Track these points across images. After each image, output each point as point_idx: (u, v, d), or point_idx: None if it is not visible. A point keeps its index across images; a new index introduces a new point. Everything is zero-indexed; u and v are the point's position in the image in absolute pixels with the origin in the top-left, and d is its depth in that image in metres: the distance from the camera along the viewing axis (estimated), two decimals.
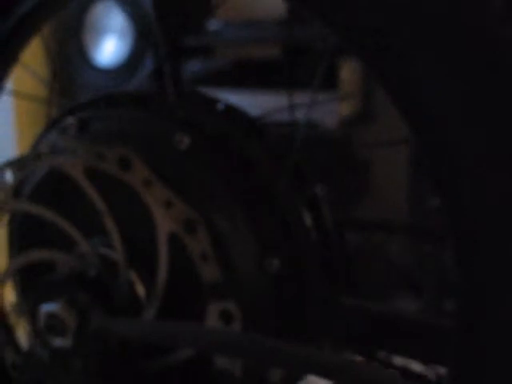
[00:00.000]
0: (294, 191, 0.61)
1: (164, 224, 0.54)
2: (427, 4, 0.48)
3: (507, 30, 0.47)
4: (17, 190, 0.64)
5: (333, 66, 1.58)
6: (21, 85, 1.14)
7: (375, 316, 0.71)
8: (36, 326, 0.58)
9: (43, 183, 0.62)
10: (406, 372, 0.70)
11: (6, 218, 0.67)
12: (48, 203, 0.61)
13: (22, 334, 0.65)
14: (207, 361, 0.56)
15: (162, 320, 0.57)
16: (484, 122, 0.48)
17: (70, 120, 0.63)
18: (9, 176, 0.63)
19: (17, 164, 0.62)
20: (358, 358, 0.73)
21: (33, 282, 0.60)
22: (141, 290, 0.58)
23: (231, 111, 0.63)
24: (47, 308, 0.57)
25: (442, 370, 0.66)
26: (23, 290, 0.67)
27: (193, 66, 1.81)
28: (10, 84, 0.81)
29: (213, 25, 1.80)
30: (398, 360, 0.72)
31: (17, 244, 0.67)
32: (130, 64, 1.87)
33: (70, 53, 1.93)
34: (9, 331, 0.67)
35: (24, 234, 0.66)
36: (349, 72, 1.61)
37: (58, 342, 0.57)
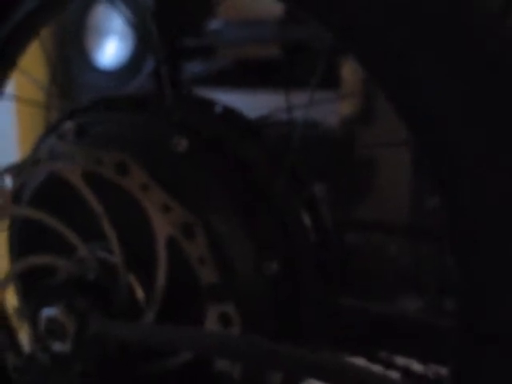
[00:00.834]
0: (291, 192, 0.61)
1: (162, 228, 0.55)
2: (426, 4, 0.48)
3: (507, 29, 0.47)
4: (16, 195, 0.64)
5: (334, 65, 1.58)
6: (21, 90, 1.15)
7: (374, 316, 0.71)
8: (37, 331, 0.58)
9: (42, 188, 0.62)
10: (407, 372, 0.71)
11: (6, 223, 0.67)
12: (47, 208, 0.61)
13: (24, 338, 0.65)
14: (207, 363, 0.56)
15: (162, 324, 0.57)
16: (484, 121, 0.48)
17: (69, 125, 0.64)
18: (8, 181, 0.63)
19: (16, 169, 0.62)
20: (359, 359, 0.73)
21: (34, 287, 0.60)
22: (140, 293, 0.58)
23: (228, 113, 0.63)
24: (47, 312, 0.57)
25: (443, 370, 0.66)
26: (25, 295, 0.67)
27: (193, 67, 1.81)
28: (10, 88, 0.82)
29: (213, 25, 1.81)
30: (400, 360, 0.72)
31: (17, 249, 0.67)
32: (131, 66, 1.87)
33: (71, 55, 1.93)
34: (11, 334, 0.67)
35: (24, 239, 0.66)
36: (350, 71, 1.61)
37: (58, 346, 0.57)
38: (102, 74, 1.89)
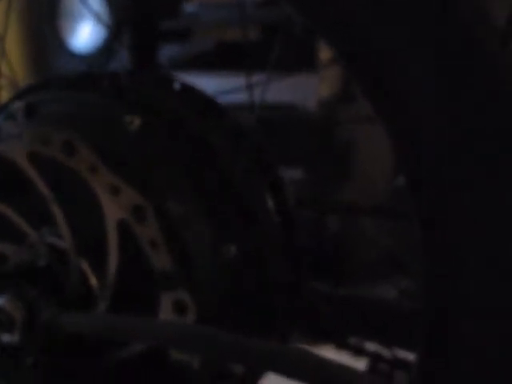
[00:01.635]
0: (253, 174, 0.58)
1: (112, 211, 0.52)
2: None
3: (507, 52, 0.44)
4: None
5: (312, 48, 1.55)
6: None
7: (345, 301, 0.69)
8: None
9: None
10: (377, 358, 0.68)
11: None
12: None
13: None
14: (164, 353, 0.53)
15: (116, 312, 0.54)
16: (446, 95, 0.46)
17: (18, 104, 0.60)
18: None
19: None
20: (329, 345, 0.70)
21: None
22: (93, 280, 0.56)
23: (187, 91, 0.61)
24: None
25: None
26: None
27: (171, 50, 1.78)
28: None
29: (189, 7, 1.77)
30: (370, 346, 0.70)
31: None
32: (106, 50, 1.83)
33: (45, 38, 1.89)
34: None
35: None
36: (328, 53, 1.59)
37: (6, 337, 0.54)
38: (77, 58, 1.85)
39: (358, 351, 0.69)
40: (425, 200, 0.50)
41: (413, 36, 0.46)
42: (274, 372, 0.45)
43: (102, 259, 0.54)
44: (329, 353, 0.69)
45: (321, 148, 1.61)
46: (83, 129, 0.55)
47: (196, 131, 0.57)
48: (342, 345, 0.69)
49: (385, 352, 0.68)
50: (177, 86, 0.61)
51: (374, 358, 0.67)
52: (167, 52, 1.78)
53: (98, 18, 1.68)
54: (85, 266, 0.55)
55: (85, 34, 1.84)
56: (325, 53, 1.56)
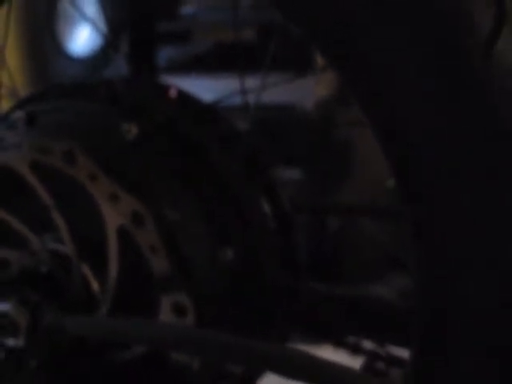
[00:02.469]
0: (249, 178, 0.60)
1: (112, 218, 0.53)
2: None
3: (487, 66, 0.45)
4: None
5: (309, 49, 1.56)
6: None
7: (342, 301, 0.70)
8: None
9: None
10: (374, 356, 0.70)
11: None
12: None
13: None
14: (165, 355, 0.55)
15: (117, 316, 0.55)
16: (432, 96, 0.47)
17: (19, 114, 0.62)
18: None
19: None
20: (328, 345, 0.72)
21: None
22: (95, 285, 0.57)
23: (183, 98, 0.62)
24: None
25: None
26: None
27: (168, 52, 1.79)
28: None
29: (186, 9, 1.78)
30: (368, 344, 0.71)
31: None
32: (104, 54, 1.84)
33: (42, 42, 1.90)
34: None
35: None
36: None
37: (11, 342, 0.55)
38: (75, 61, 1.86)
39: (356, 350, 0.70)
40: (414, 202, 0.51)
41: (401, 41, 0.47)
42: (276, 373, 0.46)
43: (103, 264, 0.55)
44: (326, 351, 0.71)
45: (319, 148, 1.62)
46: (82, 138, 0.56)
47: (192, 138, 0.58)
48: (339, 343, 0.70)
49: (382, 351, 0.70)
50: (173, 92, 0.62)
51: (371, 357, 0.69)
52: (165, 54, 1.79)
53: (93, 23, 1.69)
54: (86, 270, 0.57)
55: (83, 39, 1.85)
56: None
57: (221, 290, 0.55)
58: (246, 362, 0.48)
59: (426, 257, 0.52)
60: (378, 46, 0.47)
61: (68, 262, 0.57)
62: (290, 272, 0.61)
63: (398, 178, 0.52)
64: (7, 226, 0.59)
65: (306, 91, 1.59)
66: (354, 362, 0.69)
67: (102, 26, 1.80)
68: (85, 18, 1.81)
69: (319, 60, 1.55)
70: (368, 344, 0.70)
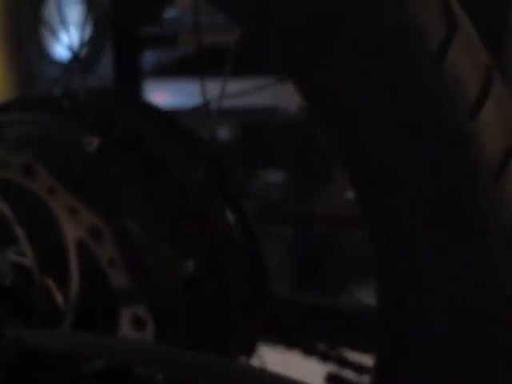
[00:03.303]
0: (211, 189, 0.60)
1: (71, 231, 0.53)
2: None
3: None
4: None
5: None
6: None
7: (311, 309, 0.71)
8: None
9: None
10: (343, 363, 0.70)
11: None
12: None
13: None
14: (128, 367, 0.55)
15: (80, 329, 0.55)
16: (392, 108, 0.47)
17: None
18: None
19: None
20: (296, 352, 0.72)
21: None
22: (59, 297, 0.57)
23: (145, 108, 0.62)
24: None
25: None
26: None
27: (154, 56, 1.79)
28: None
29: (170, 13, 1.78)
30: (337, 353, 0.71)
31: None
32: (89, 58, 1.84)
33: (27, 47, 1.90)
34: None
35: None
36: None
37: None
38: (59, 66, 1.86)
39: (325, 357, 0.70)
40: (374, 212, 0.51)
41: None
42: None
43: (65, 276, 0.55)
44: (296, 358, 0.71)
45: (304, 151, 1.62)
46: (42, 151, 0.56)
47: (154, 149, 0.58)
48: (308, 351, 0.70)
49: (351, 358, 0.70)
50: (137, 103, 0.62)
51: (341, 364, 0.69)
52: (150, 58, 1.79)
53: (77, 28, 1.69)
54: (50, 283, 0.57)
55: (67, 44, 1.84)
56: None
57: (181, 303, 0.55)
58: (206, 378, 0.48)
59: (387, 263, 0.52)
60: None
61: (31, 275, 0.57)
62: (255, 283, 0.61)
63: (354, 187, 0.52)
64: None
65: (290, 95, 1.59)
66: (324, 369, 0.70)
67: (86, 30, 1.80)
68: (68, 22, 1.81)
69: None
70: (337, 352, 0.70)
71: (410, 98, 0.45)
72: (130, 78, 1.12)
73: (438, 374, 0.50)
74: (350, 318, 0.69)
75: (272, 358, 0.70)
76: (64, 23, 1.83)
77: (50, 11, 1.88)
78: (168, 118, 0.62)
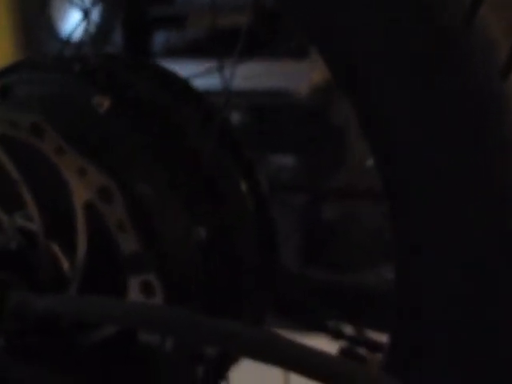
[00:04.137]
0: (225, 157, 0.58)
1: (79, 193, 0.51)
2: None
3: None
4: None
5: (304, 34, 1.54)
6: None
7: (322, 285, 0.69)
8: None
9: None
10: (354, 341, 0.68)
11: None
12: None
13: None
14: (133, 336, 0.53)
15: (83, 295, 0.54)
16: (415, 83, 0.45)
17: None
18: None
19: None
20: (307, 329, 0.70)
21: None
22: (65, 263, 0.55)
23: (160, 74, 0.60)
24: None
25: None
26: None
27: (164, 37, 1.77)
28: None
29: None
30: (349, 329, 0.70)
31: None
32: (99, 36, 1.82)
33: (36, 25, 1.88)
34: None
35: None
36: None
37: None
38: (69, 45, 1.84)
39: (337, 334, 0.68)
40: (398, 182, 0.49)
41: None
42: (255, 359, 0.44)
43: (73, 242, 0.54)
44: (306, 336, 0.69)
45: (314, 134, 1.60)
46: (52, 111, 0.55)
47: (165, 113, 0.56)
48: (319, 328, 0.69)
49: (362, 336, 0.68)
50: (150, 68, 0.60)
51: (351, 341, 0.67)
52: (161, 39, 1.77)
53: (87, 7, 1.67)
54: (56, 248, 0.55)
55: (76, 21, 1.82)
56: None
57: (192, 270, 0.53)
58: (225, 344, 0.46)
59: (403, 240, 0.51)
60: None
61: (37, 240, 0.55)
62: (266, 254, 0.59)
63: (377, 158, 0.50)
64: None
65: (301, 77, 1.57)
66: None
67: (96, 10, 1.78)
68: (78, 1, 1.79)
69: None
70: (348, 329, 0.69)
71: (440, 59, 0.44)
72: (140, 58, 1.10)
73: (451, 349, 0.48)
74: (361, 294, 0.68)
75: None
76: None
77: None
78: (182, 84, 0.60)
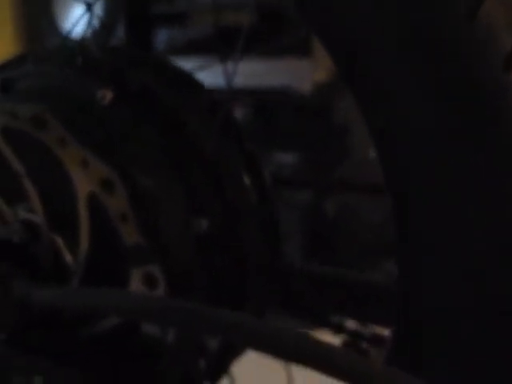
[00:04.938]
0: (228, 149, 0.58)
1: (82, 184, 0.51)
2: None
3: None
4: None
5: (307, 32, 1.54)
6: None
7: (325, 279, 0.69)
8: None
9: None
10: (356, 335, 0.68)
11: None
12: None
13: None
14: (135, 328, 0.53)
15: (86, 287, 0.54)
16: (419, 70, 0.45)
17: None
18: None
19: None
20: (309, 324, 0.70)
21: None
22: (67, 256, 0.55)
23: (163, 67, 0.60)
24: None
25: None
26: None
27: (167, 35, 1.77)
28: None
29: None
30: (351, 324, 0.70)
31: None
32: (101, 33, 1.82)
33: (39, 22, 1.89)
34: None
35: None
36: None
37: None
38: (71, 40, 1.84)
39: (339, 329, 0.68)
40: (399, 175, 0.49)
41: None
42: (261, 352, 0.43)
43: (75, 233, 0.54)
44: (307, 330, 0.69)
45: (316, 131, 1.60)
46: (54, 103, 0.55)
47: (168, 105, 0.56)
48: (322, 322, 0.69)
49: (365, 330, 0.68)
50: (153, 61, 0.60)
51: (353, 336, 0.67)
52: (164, 36, 1.77)
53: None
54: (58, 240, 0.55)
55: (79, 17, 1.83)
56: None
57: (194, 261, 0.53)
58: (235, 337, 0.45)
59: (408, 238, 0.50)
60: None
61: (40, 232, 0.55)
62: (269, 246, 0.59)
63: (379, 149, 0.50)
64: None
65: (304, 75, 1.57)
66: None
67: (99, 7, 1.78)
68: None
69: (317, 42, 1.53)
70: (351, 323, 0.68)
71: (444, 50, 0.44)
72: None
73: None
74: (363, 289, 0.68)
75: None
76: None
77: None
78: (185, 76, 0.60)
